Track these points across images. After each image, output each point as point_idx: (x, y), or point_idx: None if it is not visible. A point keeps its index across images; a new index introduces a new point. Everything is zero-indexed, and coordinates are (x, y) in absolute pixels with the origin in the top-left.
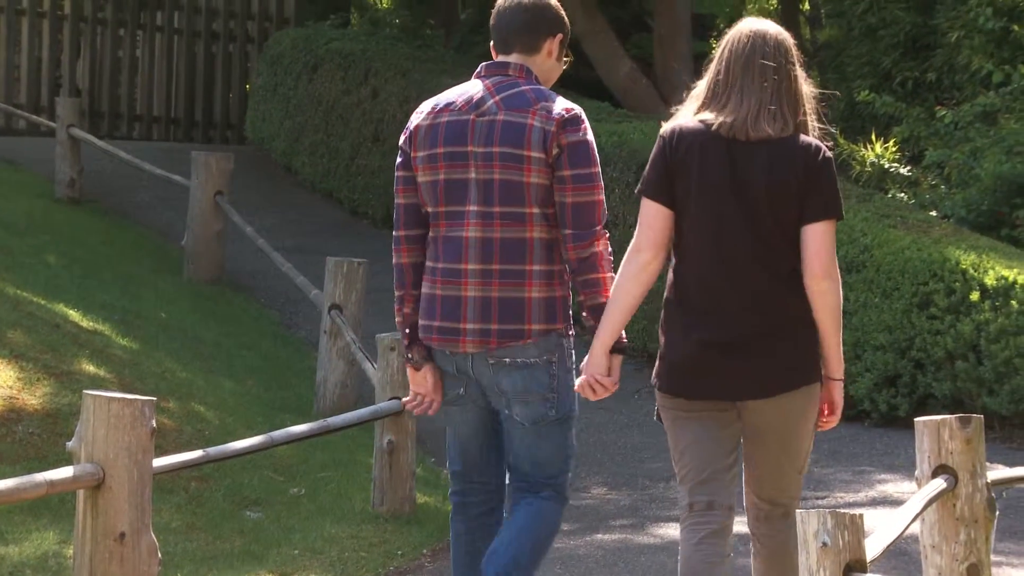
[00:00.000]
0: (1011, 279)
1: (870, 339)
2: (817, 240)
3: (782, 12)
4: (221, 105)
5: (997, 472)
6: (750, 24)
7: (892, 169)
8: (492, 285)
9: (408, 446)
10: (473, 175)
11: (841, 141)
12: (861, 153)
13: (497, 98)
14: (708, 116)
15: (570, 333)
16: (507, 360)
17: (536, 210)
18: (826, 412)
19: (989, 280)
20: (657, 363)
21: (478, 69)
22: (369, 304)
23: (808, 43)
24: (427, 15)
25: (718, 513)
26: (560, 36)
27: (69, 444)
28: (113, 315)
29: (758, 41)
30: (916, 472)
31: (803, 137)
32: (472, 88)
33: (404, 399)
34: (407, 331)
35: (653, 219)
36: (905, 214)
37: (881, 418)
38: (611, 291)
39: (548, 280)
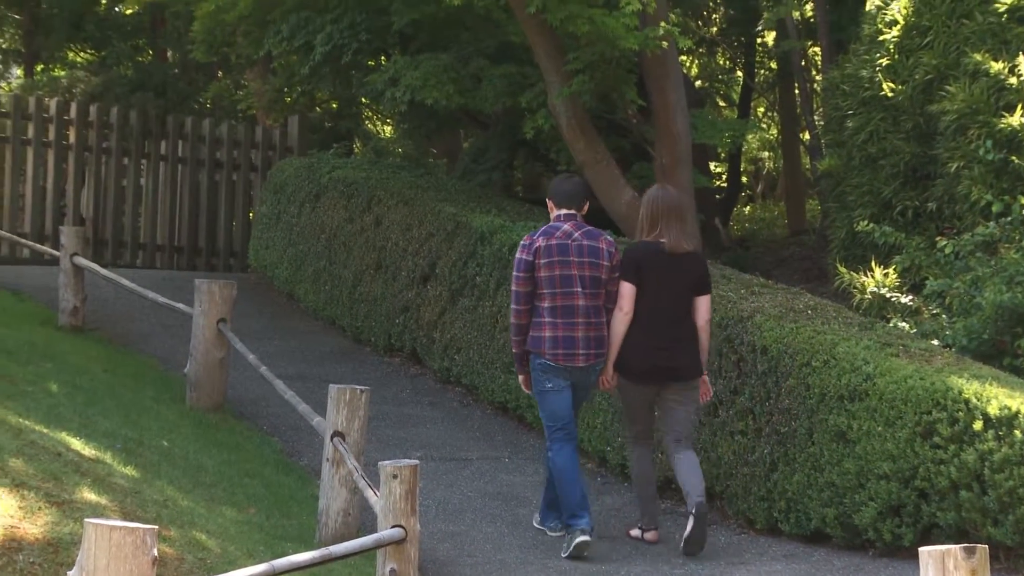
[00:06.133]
0: (1014, 409)
1: (874, 468)
2: (705, 304)
3: (782, 142)
4: (224, 233)
5: None
6: (659, 190)
7: (893, 298)
8: (591, 329)
9: (410, 574)
10: (576, 272)
11: (842, 270)
12: (861, 281)
13: (579, 232)
14: (650, 239)
15: None
16: (594, 366)
17: (603, 290)
18: (703, 392)
19: (992, 410)
20: (625, 364)
21: (558, 215)
22: (370, 432)
23: (808, 173)
24: (430, 144)
25: (650, 440)
26: (588, 198)
27: (70, 573)
28: (115, 443)
29: (668, 199)
30: None
31: (697, 252)
32: (563, 226)
33: None
34: (522, 358)
35: (630, 293)
36: (907, 343)
37: (886, 548)
38: (610, 334)
39: (607, 326)
